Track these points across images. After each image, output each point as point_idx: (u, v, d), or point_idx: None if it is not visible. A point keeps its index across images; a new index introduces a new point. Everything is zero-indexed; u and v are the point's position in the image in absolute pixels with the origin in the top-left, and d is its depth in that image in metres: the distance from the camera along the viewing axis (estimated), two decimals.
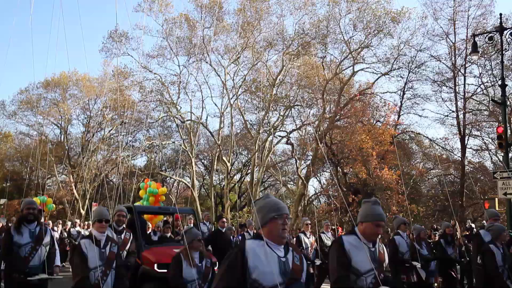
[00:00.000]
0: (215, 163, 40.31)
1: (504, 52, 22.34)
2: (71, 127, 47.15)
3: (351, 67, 35.29)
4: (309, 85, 35.20)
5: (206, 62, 37.17)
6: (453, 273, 11.35)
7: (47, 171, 40.42)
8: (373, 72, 35.76)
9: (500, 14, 23.16)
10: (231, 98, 37.10)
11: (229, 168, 39.51)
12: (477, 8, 33.25)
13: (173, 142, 44.67)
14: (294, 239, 12.99)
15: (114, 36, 36.64)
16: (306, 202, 39.64)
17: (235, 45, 36.34)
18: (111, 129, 43.54)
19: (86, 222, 22.40)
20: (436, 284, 11.36)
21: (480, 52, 27.36)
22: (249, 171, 40.69)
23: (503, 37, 21.62)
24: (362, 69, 35.61)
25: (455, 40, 33.98)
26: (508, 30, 22.14)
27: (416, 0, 60.41)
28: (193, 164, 39.31)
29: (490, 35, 23.19)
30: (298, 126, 38.83)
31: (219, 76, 37.47)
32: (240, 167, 46.69)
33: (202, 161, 49.60)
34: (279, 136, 39.15)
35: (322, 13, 34.63)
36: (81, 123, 46.59)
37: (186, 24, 36.95)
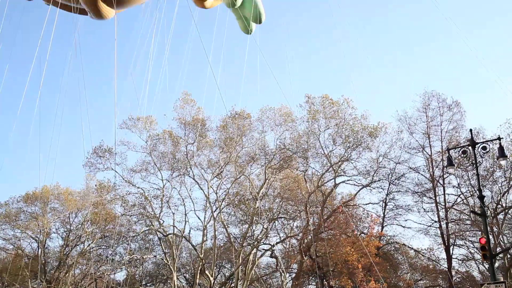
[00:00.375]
0: (198, 277, 39.13)
1: (478, 164, 23.15)
2: (49, 241, 45.86)
3: (333, 180, 36.00)
4: (292, 197, 35.53)
5: (190, 176, 37.54)
6: None
7: (21, 287, 38.67)
8: (354, 184, 36.50)
9: (471, 130, 24.43)
10: (214, 211, 37.00)
11: (212, 282, 38.33)
12: (449, 122, 35.02)
13: (155, 256, 43.59)
14: None
15: (99, 151, 37.15)
16: None
17: (218, 160, 37.02)
18: (91, 243, 42.53)
19: None
20: None
21: (456, 165, 28.29)
22: (233, 284, 39.47)
23: (475, 150, 22.54)
24: (343, 181, 36.40)
25: (431, 153, 35.24)
26: (480, 144, 23.14)
27: (391, 115, 62.40)
28: (175, 278, 38.12)
29: (463, 149, 24.15)
30: (282, 239, 38.52)
31: (202, 190, 37.64)
32: (223, 280, 45.30)
33: (184, 275, 48.12)
34: (263, 249, 38.61)
35: (302, 129, 35.95)
36: (60, 236, 45.41)
37: (169, 140, 37.67)
